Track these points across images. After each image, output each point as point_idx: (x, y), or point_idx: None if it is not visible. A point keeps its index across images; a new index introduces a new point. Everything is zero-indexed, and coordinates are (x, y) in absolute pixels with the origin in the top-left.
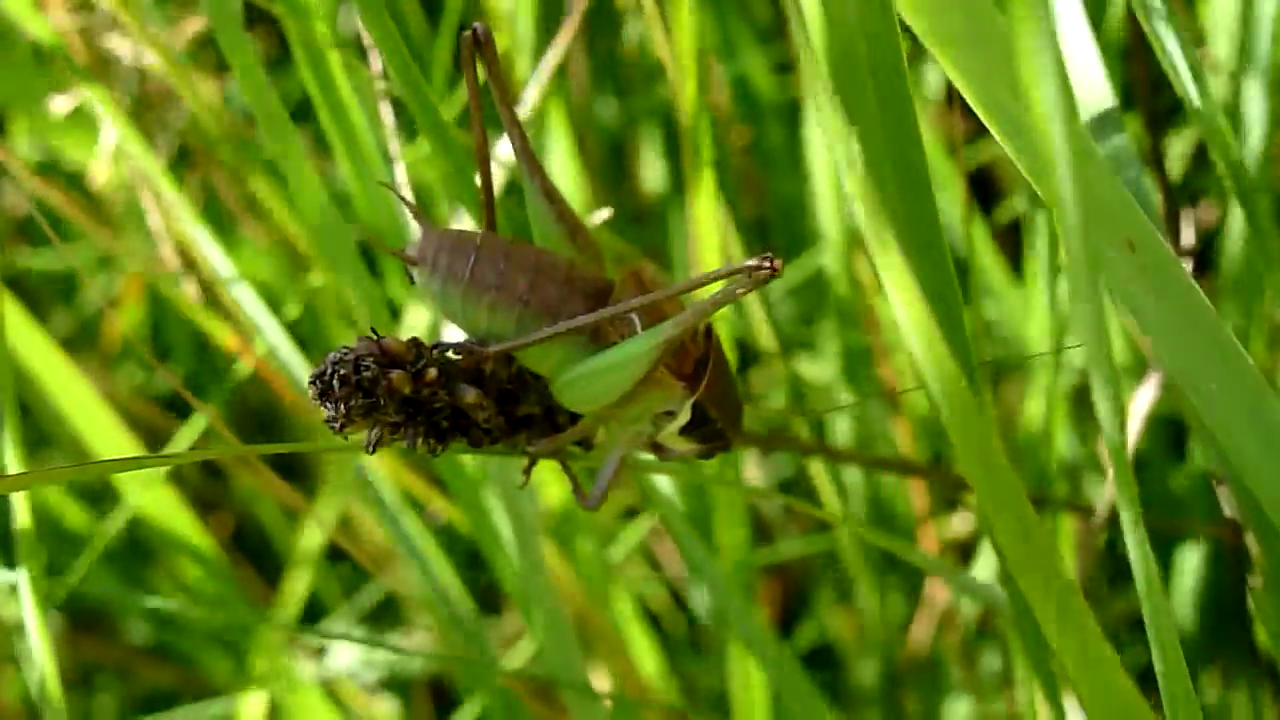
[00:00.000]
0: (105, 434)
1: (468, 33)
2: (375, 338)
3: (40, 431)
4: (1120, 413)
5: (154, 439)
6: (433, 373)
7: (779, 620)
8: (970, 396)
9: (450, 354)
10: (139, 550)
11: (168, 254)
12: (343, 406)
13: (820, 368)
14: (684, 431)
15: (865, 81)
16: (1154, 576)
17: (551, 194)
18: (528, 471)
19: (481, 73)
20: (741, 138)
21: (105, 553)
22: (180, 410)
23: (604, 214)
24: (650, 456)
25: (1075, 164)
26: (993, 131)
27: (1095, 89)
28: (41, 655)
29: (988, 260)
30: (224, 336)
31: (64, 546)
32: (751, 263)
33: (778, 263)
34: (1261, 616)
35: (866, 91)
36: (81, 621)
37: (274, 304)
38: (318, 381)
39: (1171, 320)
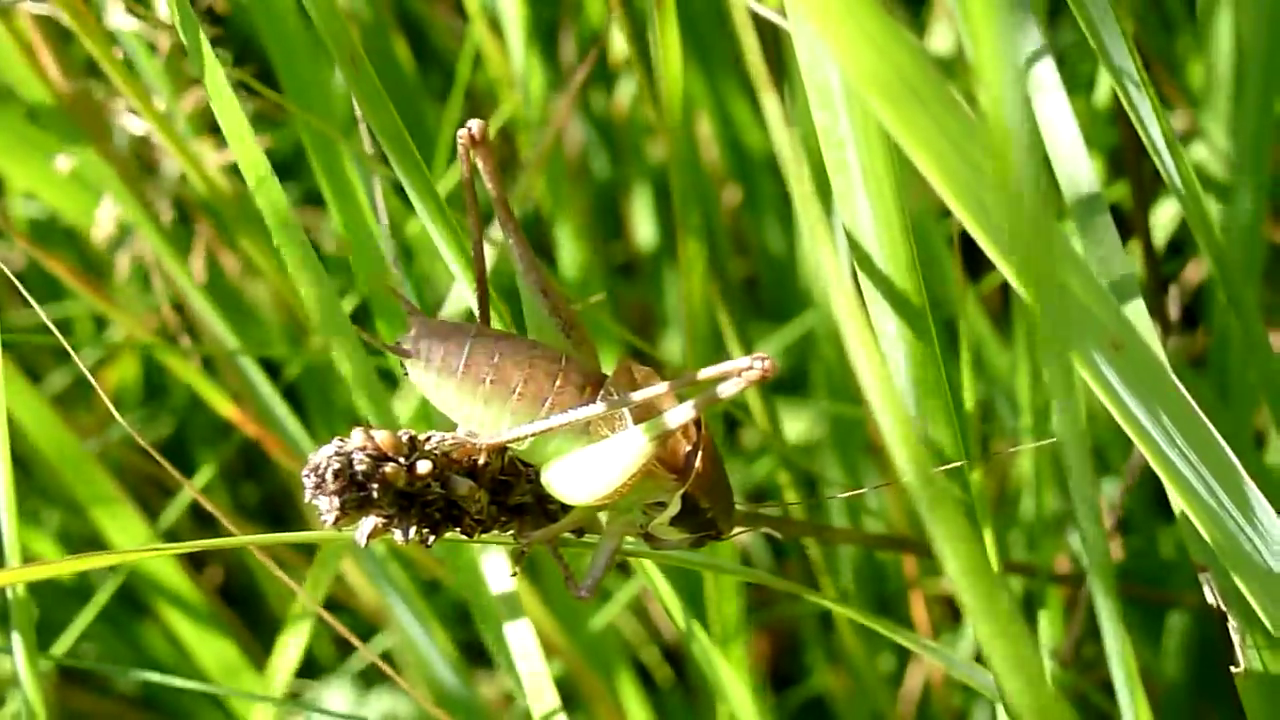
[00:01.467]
0: (97, 489)
1: (464, 130)
2: (368, 431)
3: (36, 484)
4: (1099, 526)
5: (148, 487)
6: (426, 466)
7: (771, 673)
8: (938, 489)
9: (443, 446)
10: (130, 601)
11: (165, 312)
12: (337, 500)
13: (810, 427)
14: (675, 521)
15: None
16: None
17: (546, 288)
18: (519, 560)
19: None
20: (733, 195)
21: (96, 604)
22: (174, 458)
23: (597, 298)
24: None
25: (1045, 281)
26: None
27: (1079, 166)
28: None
29: (979, 325)
30: (219, 402)
31: (55, 598)
32: (744, 362)
33: (769, 364)
34: (1246, 702)
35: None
36: (73, 672)
37: (272, 367)
38: (311, 476)
39: (1153, 419)
